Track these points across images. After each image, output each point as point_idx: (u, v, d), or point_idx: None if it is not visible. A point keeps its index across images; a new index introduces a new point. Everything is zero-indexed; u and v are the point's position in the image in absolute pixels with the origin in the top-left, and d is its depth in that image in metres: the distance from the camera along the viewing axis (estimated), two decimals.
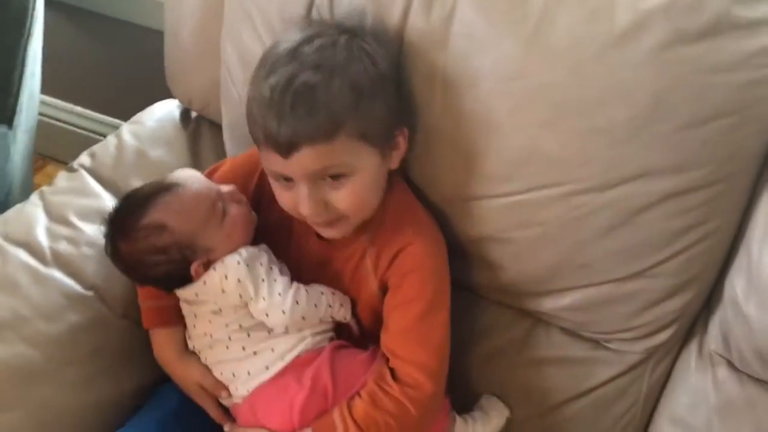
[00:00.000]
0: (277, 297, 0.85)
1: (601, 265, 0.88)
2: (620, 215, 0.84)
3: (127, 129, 1.16)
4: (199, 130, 1.18)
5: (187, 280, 0.87)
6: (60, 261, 0.96)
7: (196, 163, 1.14)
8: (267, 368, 0.86)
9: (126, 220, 0.86)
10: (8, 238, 0.97)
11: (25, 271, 0.93)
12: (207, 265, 0.86)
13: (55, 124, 1.84)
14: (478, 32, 0.84)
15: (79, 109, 1.81)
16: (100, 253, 0.98)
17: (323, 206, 0.81)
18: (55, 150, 1.90)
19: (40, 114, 1.81)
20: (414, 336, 0.85)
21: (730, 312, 0.88)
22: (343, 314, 0.90)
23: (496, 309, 1.00)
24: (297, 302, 0.85)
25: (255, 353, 0.87)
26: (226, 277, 0.85)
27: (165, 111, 1.20)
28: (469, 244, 0.95)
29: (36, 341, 0.88)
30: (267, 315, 0.85)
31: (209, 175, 0.96)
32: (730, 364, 0.90)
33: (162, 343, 0.92)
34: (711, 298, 0.93)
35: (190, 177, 0.89)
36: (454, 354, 0.90)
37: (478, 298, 1.01)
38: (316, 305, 0.87)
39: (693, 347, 0.94)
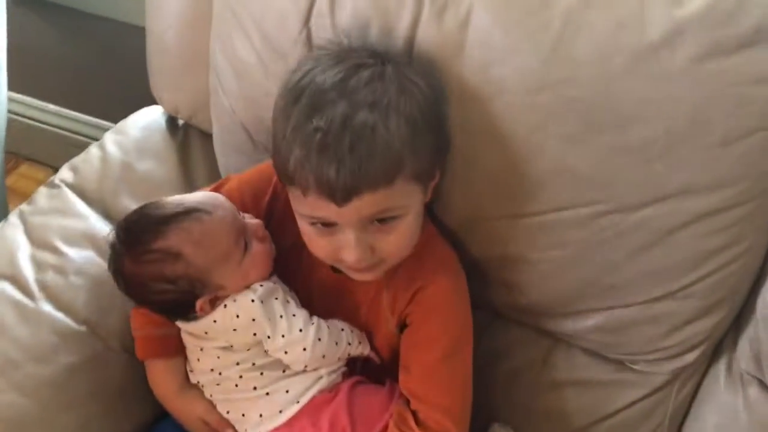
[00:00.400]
0: (298, 333, 0.79)
1: (629, 287, 0.84)
2: (651, 236, 0.79)
3: (110, 139, 1.08)
4: (189, 140, 1.11)
5: (190, 310, 0.80)
6: (48, 294, 0.89)
7: (187, 177, 1.07)
8: (281, 412, 0.80)
9: (139, 238, 0.78)
10: None
11: (11, 308, 0.86)
12: (214, 301, 0.80)
13: (31, 123, 1.76)
14: (496, 40, 0.77)
15: (54, 107, 1.72)
16: (91, 281, 0.92)
17: (368, 252, 0.74)
18: (30, 149, 1.82)
19: (16, 113, 1.74)
20: (437, 379, 0.80)
21: (762, 330, 0.84)
22: (361, 351, 0.84)
23: (515, 328, 0.95)
24: (319, 339, 0.79)
25: (268, 394, 0.81)
26: (237, 316, 0.79)
27: (150, 119, 1.12)
28: (489, 264, 0.89)
29: (28, 388, 0.81)
30: (286, 353, 0.79)
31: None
32: (762, 384, 0.86)
33: (160, 374, 0.86)
34: (741, 315, 0.88)
35: (217, 205, 0.81)
36: (473, 374, 0.86)
37: (494, 317, 0.96)
38: (336, 343, 0.81)
39: (721, 366, 0.90)
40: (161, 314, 0.83)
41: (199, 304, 0.79)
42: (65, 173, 1.04)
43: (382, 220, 0.73)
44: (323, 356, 0.80)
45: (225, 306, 0.79)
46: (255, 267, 0.80)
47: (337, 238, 0.74)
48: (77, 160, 1.06)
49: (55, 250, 0.93)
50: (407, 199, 0.74)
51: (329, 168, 0.68)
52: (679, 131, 0.74)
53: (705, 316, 0.85)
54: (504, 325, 0.96)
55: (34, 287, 0.89)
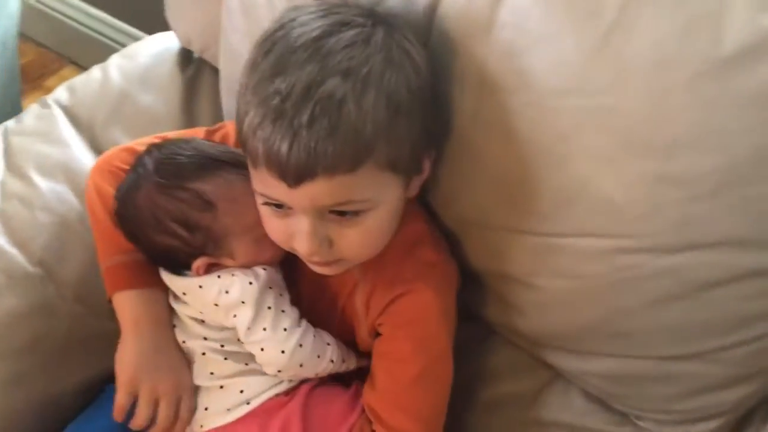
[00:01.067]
0: (282, 332, 0.70)
1: (645, 338, 0.70)
2: (681, 287, 0.65)
3: (115, 63, 0.99)
4: (199, 76, 1.00)
5: (183, 265, 0.72)
6: (7, 226, 0.82)
7: (189, 117, 0.97)
8: (228, 410, 0.71)
9: (179, 170, 0.70)
10: None
11: None
12: (211, 266, 0.71)
13: (78, 28, 1.70)
14: (532, 24, 0.63)
15: (103, 14, 1.66)
16: (57, 221, 0.84)
17: (325, 246, 0.65)
18: (74, 53, 1.77)
19: (65, 15, 1.68)
20: (404, 403, 0.70)
21: None
22: (346, 367, 0.75)
23: (511, 351, 0.83)
24: (301, 345, 0.70)
25: (222, 387, 0.72)
26: (227, 292, 0.70)
27: (162, 47, 1.02)
28: (487, 276, 0.77)
29: None
30: (262, 349, 0.70)
31: (208, 136, 0.79)
32: None
33: (141, 306, 0.73)
34: None
35: None
36: (452, 393, 0.75)
37: (489, 332, 0.84)
38: (319, 356, 0.72)
39: None
40: (147, 255, 0.74)
41: (197, 263, 0.71)
42: (61, 93, 0.97)
43: (342, 212, 0.63)
44: (300, 365, 0.71)
45: (219, 276, 0.71)
46: (271, 248, 0.71)
47: (291, 222, 0.64)
48: (77, 80, 0.98)
49: (27, 179, 0.86)
50: (375, 192, 0.63)
51: (282, 141, 0.58)
52: (738, 170, 0.59)
53: (731, 387, 0.71)
54: (498, 344, 0.84)
55: None
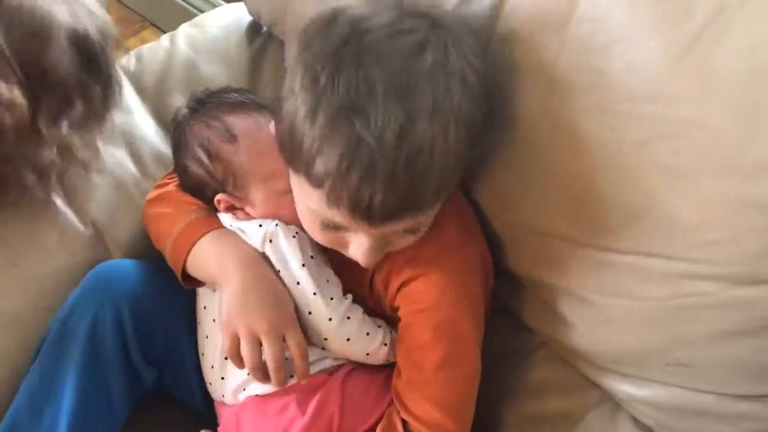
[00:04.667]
0: (329, 301, 0.69)
1: (707, 372, 0.65)
2: (753, 322, 0.60)
3: (184, 32, 0.98)
4: (266, 51, 0.98)
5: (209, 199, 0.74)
6: (63, 185, 0.82)
7: (252, 91, 0.95)
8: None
9: (219, 103, 0.75)
10: None
11: None
12: (232, 209, 0.73)
13: None
14: (615, 19, 0.59)
15: None
16: (112, 185, 0.84)
17: (380, 255, 0.64)
18: (155, 15, 1.79)
19: None
20: (429, 392, 0.67)
21: None
22: (386, 358, 0.73)
23: (561, 366, 0.78)
24: (348, 318, 0.69)
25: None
26: (270, 240, 0.70)
27: (232, 18, 1.00)
28: (536, 284, 0.73)
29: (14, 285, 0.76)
30: (309, 313, 0.69)
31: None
32: None
33: (224, 243, 0.71)
34: None
35: None
36: (496, 402, 0.73)
37: (540, 344, 0.80)
38: (368, 333, 0.70)
39: None
40: (187, 190, 0.76)
41: (219, 196, 0.73)
42: (130, 59, 0.96)
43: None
44: (348, 339, 0.70)
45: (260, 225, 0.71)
46: (290, 208, 0.68)
47: (347, 236, 0.63)
48: (145, 48, 0.98)
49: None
50: (432, 217, 0.64)
51: (374, 194, 0.55)
52: None
53: None
54: (548, 358, 0.79)
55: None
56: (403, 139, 0.54)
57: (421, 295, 0.67)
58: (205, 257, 0.71)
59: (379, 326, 0.72)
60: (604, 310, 0.67)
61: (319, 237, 0.65)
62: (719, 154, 0.55)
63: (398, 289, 0.68)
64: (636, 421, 0.74)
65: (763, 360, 0.61)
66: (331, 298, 0.69)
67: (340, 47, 0.56)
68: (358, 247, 0.62)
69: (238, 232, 0.72)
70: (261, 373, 0.67)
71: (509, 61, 0.63)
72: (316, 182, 0.58)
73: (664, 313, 0.63)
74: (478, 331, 0.69)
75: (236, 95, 0.76)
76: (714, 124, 0.55)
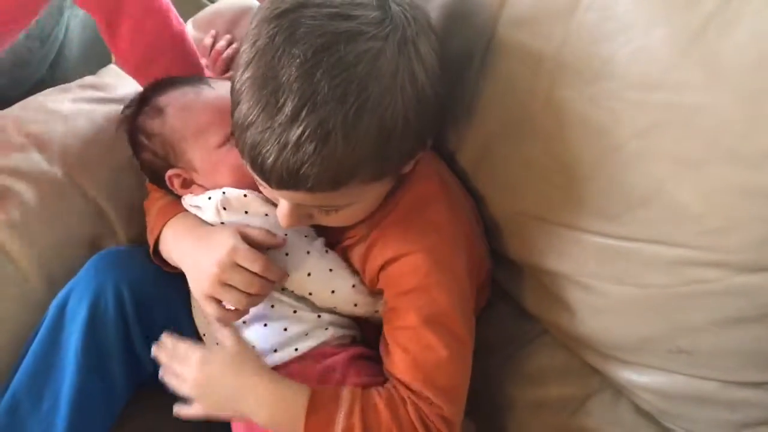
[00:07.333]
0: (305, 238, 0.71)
1: (710, 359, 0.65)
2: (756, 309, 0.60)
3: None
4: None
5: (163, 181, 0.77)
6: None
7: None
8: (275, 351, 0.71)
9: (149, 90, 0.79)
10: None
11: None
12: (187, 184, 0.75)
13: None
14: (622, 7, 0.59)
15: None
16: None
17: (305, 220, 0.67)
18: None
19: None
20: (421, 374, 0.65)
21: None
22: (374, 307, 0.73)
23: (562, 353, 0.78)
24: (327, 251, 0.71)
25: (266, 325, 0.72)
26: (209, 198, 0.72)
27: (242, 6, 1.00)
28: (538, 271, 0.73)
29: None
30: (287, 255, 0.70)
31: None
32: None
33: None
34: None
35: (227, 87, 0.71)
36: (495, 389, 0.73)
37: (541, 332, 0.80)
38: (331, 269, 0.72)
39: None
40: (153, 182, 0.79)
41: (169, 173, 0.75)
42: None
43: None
44: (330, 270, 0.71)
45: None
46: (229, 162, 0.71)
47: (273, 193, 0.64)
48: None
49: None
50: (358, 197, 0.63)
51: (268, 153, 0.58)
52: None
53: None
54: (549, 345, 0.79)
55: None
56: (303, 111, 0.55)
57: (405, 277, 0.66)
58: (170, 251, 0.74)
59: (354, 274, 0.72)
60: (606, 296, 0.67)
61: (262, 193, 0.67)
62: (725, 142, 0.55)
63: (380, 269, 0.68)
64: (637, 408, 0.75)
65: (766, 347, 0.61)
66: (306, 236, 0.71)
67: (289, 10, 0.58)
68: (278, 207, 0.64)
69: (195, 210, 0.74)
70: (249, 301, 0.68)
71: (515, 48, 0.63)
72: (235, 130, 0.61)
73: (667, 300, 0.63)
74: (463, 310, 0.68)
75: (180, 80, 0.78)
76: (720, 112, 0.55)
